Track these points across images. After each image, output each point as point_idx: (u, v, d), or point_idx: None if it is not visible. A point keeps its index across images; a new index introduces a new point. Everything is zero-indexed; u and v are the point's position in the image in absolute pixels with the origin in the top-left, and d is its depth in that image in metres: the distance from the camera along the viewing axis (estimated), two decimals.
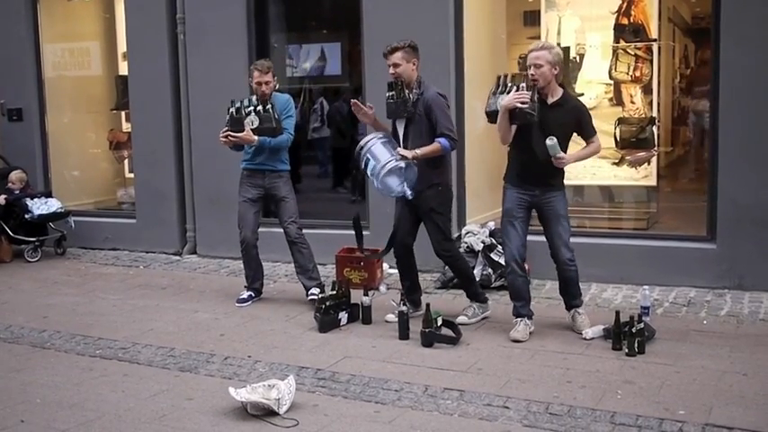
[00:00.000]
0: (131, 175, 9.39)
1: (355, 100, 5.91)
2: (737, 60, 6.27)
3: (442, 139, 5.63)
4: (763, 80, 6.24)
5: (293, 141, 6.52)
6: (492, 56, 8.21)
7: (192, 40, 8.27)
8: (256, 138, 6.28)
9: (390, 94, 5.72)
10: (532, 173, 5.42)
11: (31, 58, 9.22)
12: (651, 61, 7.60)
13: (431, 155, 5.63)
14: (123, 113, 9.77)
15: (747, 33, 6.23)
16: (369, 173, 5.71)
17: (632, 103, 7.74)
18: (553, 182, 5.48)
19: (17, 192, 8.70)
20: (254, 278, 6.66)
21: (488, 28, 8.12)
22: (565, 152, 5.36)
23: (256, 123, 6.27)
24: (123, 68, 9.37)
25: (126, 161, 9.92)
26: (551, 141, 5.20)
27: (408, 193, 5.57)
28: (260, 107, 6.28)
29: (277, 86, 6.51)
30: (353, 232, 6.99)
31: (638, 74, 7.63)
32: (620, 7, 7.60)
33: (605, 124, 7.66)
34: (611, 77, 7.73)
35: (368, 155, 5.64)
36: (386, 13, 7.39)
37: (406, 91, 5.67)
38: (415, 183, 5.58)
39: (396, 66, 5.67)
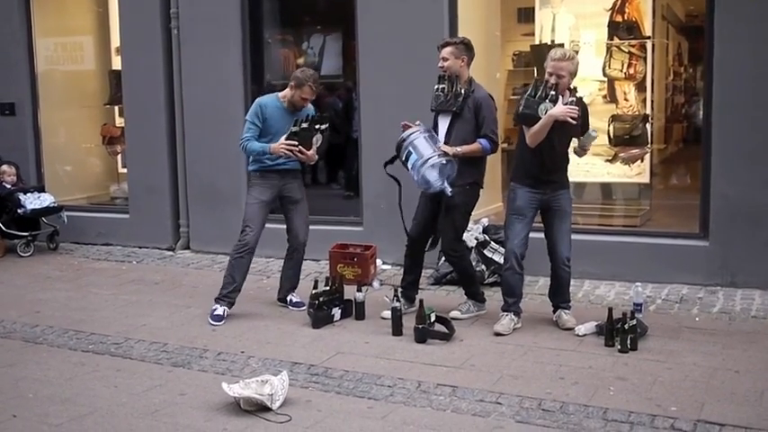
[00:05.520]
0: (124, 170, 9.35)
1: (405, 122, 5.70)
2: (731, 58, 6.28)
3: (483, 141, 5.66)
4: (756, 78, 6.25)
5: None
6: (486, 53, 8.19)
7: (185, 35, 8.24)
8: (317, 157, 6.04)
9: (441, 86, 5.73)
10: (547, 172, 5.47)
11: (23, 53, 9.17)
12: (645, 59, 7.62)
13: (470, 154, 5.65)
14: (116, 108, 9.74)
15: (741, 31, 6.24)
16: (409, 166, 5.61)
17: (626, 100, 7.76)
18: (562, 180, 5.58)
19: (9, 186, 8.67)
20: (239, 287, 6.11)
21: (483, 25, 8.11)
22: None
23: (319, 143, 5.99)
24: (117, 63, 9.32)
25: (119, 156, 9.87)
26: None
27: (448, 189, 5.52)
28: (323, 126, 5.99)
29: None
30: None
31: (631, 71, 7.65)
32: (615, 4, 7.62)
33: (599, 121, 7.67)
34: (605, 74, 7.75)
35: (410, 147, 5.56)
36: (380, 9, 7.37)
37: (458, 86, 5.68)
38: (454, 179, 5.56)
39: (444, 60, 5.71)
